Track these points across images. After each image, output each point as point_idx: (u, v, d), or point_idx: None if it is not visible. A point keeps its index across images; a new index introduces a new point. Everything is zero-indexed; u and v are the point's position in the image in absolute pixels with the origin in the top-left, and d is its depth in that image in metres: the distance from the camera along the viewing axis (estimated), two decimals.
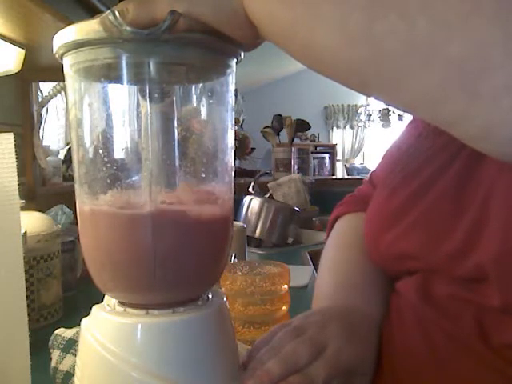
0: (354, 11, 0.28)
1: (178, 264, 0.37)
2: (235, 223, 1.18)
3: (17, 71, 0.95)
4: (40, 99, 1.34)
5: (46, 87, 1.37)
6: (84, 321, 0.40)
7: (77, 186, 0.39)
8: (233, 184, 0.41)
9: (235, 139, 0.45)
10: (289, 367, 0.39)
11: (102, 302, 0.41)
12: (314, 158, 5.90)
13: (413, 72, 0.28)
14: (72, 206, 0.43)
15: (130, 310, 0.38)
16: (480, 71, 0.26)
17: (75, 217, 0.40)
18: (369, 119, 7.15)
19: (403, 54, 0.27)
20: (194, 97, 0.41)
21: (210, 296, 0.41)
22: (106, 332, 0.37)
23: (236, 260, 1.02)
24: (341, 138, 7.25)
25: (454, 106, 0.27)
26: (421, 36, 0.26)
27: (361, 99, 6.95)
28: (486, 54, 0.25)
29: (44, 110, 1.37)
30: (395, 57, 0.28)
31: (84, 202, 0.38)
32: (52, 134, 1.59)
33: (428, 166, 0.48)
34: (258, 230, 1.63)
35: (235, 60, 0.39)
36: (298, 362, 0.40)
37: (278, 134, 2.35)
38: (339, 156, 6.97)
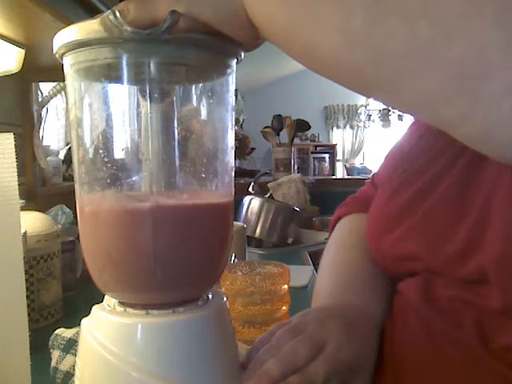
0: (355, 12, 0.28)
1: (178, 264, 0.37)
2: (235, 223, 1.18)
3: (17, 71, 0.95)
4: (40, 99, 1.33)
5: (46, 87, 1.37)
6: (84, 321, 0.40)
7: (77, 186, 0.39)
8: (233, 184, 0.41)
9: (235, 139, 0.44)
10: (288, 367, 0.39)
11: (102, 301, 0.41)
12: (313, 158, 5.92)
13: (413, 74, 0.27)
14: (72, 205, 0.43)
15: (129, 310, 0.38)
16: (481, 74, 0.25)
17: (75, 217, 0.40)
18: (369, 119, 7.15)
19: (404, 56, 0.27)
20: (194, 97, 0.41)
21: (210, 296, 0.41)
22: (106, 332, 0.37)
23: (236, 260, 1.02)
24: (341, 138, 7.25)
25: (454, 107, 0.27)
26: (422, 38, 0.26)
27: (361, 99, 6.95)
28: (486, 57, 0.25)
29: (44, 110, 1.36)
30: (396, 58, 0.28)
31: (84, 202, 0.38)
32: (52, 134, 1.58)
33: (430, 167, 0.48)
34: (257, 230, 1.63)
35: (235, 60, 0.39)
36: (297, 362, 0.40)
37: (278, 134, 2.34)
38: (339, 156, 6.97)
